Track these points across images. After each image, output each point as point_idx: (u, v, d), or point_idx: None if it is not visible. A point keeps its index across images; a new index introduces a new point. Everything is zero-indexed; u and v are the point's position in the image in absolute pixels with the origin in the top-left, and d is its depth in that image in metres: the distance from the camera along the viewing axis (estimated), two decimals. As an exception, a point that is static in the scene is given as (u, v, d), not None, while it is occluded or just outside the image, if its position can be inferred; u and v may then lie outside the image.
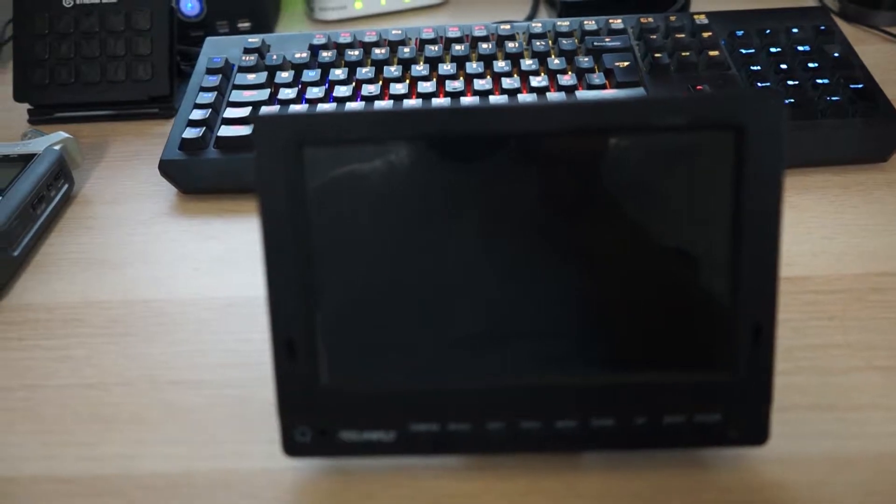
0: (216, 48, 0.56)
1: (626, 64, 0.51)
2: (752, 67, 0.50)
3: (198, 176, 0.47)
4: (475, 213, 0.28)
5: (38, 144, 0.46)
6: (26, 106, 0.57)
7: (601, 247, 0.28)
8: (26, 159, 0.45)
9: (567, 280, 0.28)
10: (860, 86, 0.48)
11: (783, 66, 0.50)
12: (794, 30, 0.53)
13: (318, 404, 0.29)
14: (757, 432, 0.29)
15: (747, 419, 0.29)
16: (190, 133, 0.48)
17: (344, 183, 0.28)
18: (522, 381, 0.29)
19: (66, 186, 0.47)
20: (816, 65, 0.50)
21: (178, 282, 0.42)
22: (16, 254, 0.41)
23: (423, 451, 0.29)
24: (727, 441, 0.29)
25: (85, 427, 0.34)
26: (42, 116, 0.56)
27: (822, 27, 0.53)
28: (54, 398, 0.35)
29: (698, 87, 0.49)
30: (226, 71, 0.53)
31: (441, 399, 0.29)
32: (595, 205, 0.28)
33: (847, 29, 0.63)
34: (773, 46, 0.52)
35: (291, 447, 0.30)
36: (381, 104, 0.49)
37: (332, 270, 0.28)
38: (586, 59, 0.51)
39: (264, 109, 0.49)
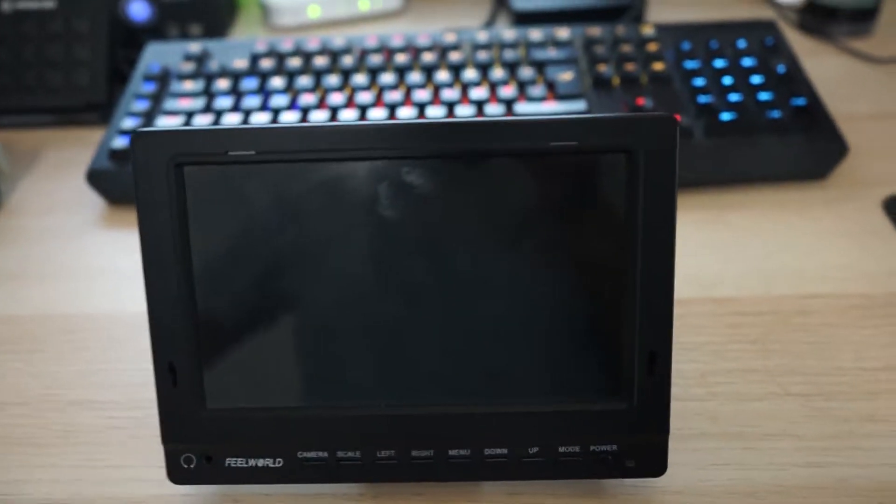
0: (158, 55, 0.55)
1: (569, 76, 0.50)
2: (694, 82, 0.49)
3: (125, 187, 0.46)
4: (360, 236, 0.27)
5: (-39, 153, 0.45)
6: (-36, 111, 0.56)
7: (494, 273, 0.27)
8: (-52, 168, 0.44)
9: (459, 306, 0.27)
10: (802, 102, 0.47)
11: (726, 81, 0.49)
12: (741, 43, 0.52)
13: (203, 430, 0.28)
14: (654, 463, 0.28)
15: (644, 450, 0.28)
16: (120, 142, 0.47)
17: (226, 202, 0.27)
18: (413, 409, 0.28)
19: (-10, 196, 0.46)
20: (761, 79, 0.49)
21: (97, 296, 0.41)
22: (-72, 266, 0.41)
23: (312, 479, 0.28)
24: (624, 472, 0.28)
25: None
26: (-21, 122, 0.55)
27: (770, 41, 0.52)
28: (-48, 417, 0.34)
29: (639, 101, 0.48)
30: (164, 78, 0.52)
31: (329, 426, 0.28)
32: (486, 229, 0.27)
33: (805, 41, 0.63)
34: (719, 59, 0.51)
35: (177, 474, 0.29)
36: (318, 114, 0.48)
37: (214, 292, 0.27)
38: (529, 71, 0.51)
39: (197, 120, 0.48)
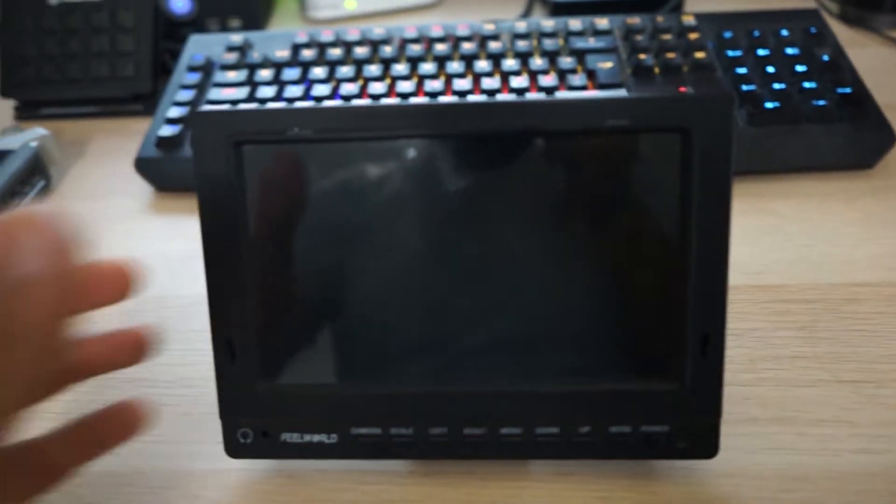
0: (200, 46, 0.56)
1: (609, 65, 0.50)
2: (737, 70, 0.49)
3: (172, 174, 0.47)
4: (418, 216, 0.27)
5: (14, 141, 0.47)
6: (13, 102, 0.57)
7: (548, 254, 0.27)
8: (2, 156, 0.45)
9: (512, 286, 0.28)
10: (848, 90, 0.46)
11: (770, 70, 0.49)
12: (784, 32, 0.52)
13: (260, 406, 0.29)
14: (706, 445, 0.28)
15: (696, 432, 0.28)
16: (166, 131, 0.48)
17: (282, 179, 0.27)
18: (466, 387, 0.28)
19: (41, 183, 0.47)
20: (804, 68, 0.49)
21: (146, 280, 0.41)
22: (-16, 249, 0.42)
23: (365, 455, 0.29)
24: (675, 453, 0.28)
25: (35, 424, 0.33)
26: (28, 113, 0.57)
27: (813, 29, 0.52)
28: None
29: (681, 90, 0.48)
30: (207, 69, 0.53)
31: (383, 403, 0.28)
32: (541, 208, 0.27)
33: (846, 32, 0.62)
34: (761, 49, 0.50)
35: (233, 448, 0.29)
36: (359, 103, 0.49)
37: (272, 270, 0.28)
38: (569, 59, 0.51)
39: (242, 106, 0.49)
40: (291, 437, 0.29)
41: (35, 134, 0.48)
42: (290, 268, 0.28)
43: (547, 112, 0.26)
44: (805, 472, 0.29)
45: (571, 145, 0.26)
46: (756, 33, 0.52)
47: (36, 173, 0.46)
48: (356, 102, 0.48)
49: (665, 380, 0.27)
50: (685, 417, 0.28)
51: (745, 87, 0.47)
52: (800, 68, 0.49)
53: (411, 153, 0.27)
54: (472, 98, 0.48)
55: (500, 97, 0.48)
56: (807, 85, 0.47)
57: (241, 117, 0.27)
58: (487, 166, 0.27)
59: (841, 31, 0.62)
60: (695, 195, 0.26)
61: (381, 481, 0.30)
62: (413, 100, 0.49)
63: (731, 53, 0.50)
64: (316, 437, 0.29)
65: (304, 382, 0.29)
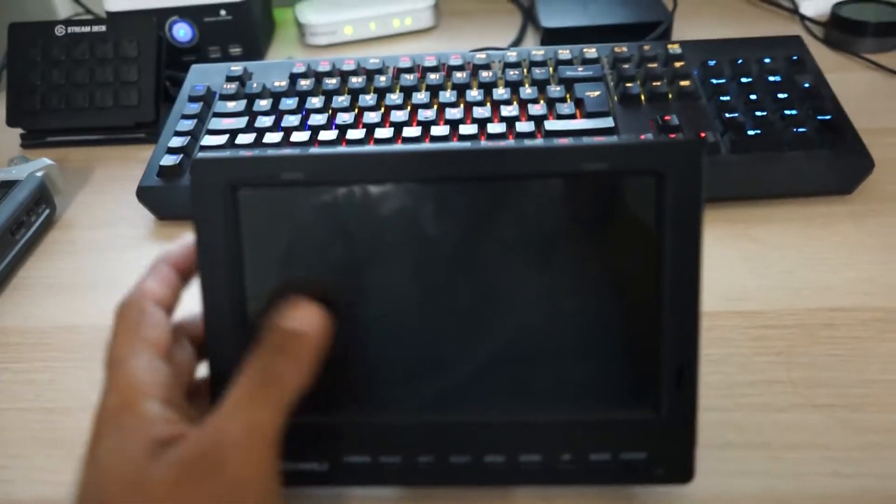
0: (201, 75, 0.58)
1: (597, 93, 0.52)
2: (721, 98, 0.50)
3: (173, 202, 0.49)
4: (403, 253, 0.29)
5: (20, 171, 0.48)
6: (19, 130, 0.59)
7: (529, 288, 0.29)
8: (9, 185, 0.47)
9: (495, 320, 0.29)
10: (828, 117, 0.48)
11: (753, 97, 0.50)
12: (767, 59, 0.53)
13: None
14: (681, 471, 0.29)
15: (672, 458, 0.29)
16: (168, 160, 0.49)
17: (278, 223, 0.29)
18: (452, 416, 0.29)
19: (46, 212, 0.49)
20: (786, 95, 0.50)
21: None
22: (-8, 278, 0.43)
23: (355, 482, 0.30)
24: (652, 479, 0.29)
25: (44, 452, 0.35)
26: (34, 141, 0.58)
27: (795, 57, 0.53)
28: (16, 422, 0.36)
29: (666, 118, 0.49)
30: (207, 98, 0.55)
31: (372, 433, 0.29)
32: (522, 246, 0.29)
33: (830, 56, 0.63)
34: (745, 76, 0.52)
35: None
36: (354, 133, 0.50)
37: (265, 307, 0.29)
38: (558, 88, 0.52)
39: (240, 138, 0.51)
40: (284, 465, 0.30)
41: (41, 164, 0.49)
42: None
43: (532, 157, 0.27)
44: (778, 495, 0.30)
45: (555, 187, 0.28)
46: (739, 61, 0.53)
47: (41, 202, 0.48)
48: (344, 148, 0.50)
49: (642, 409, 0.29)
50: (661, 445, 0.29)
51: (728, 115, 0.49)
52: (782, 95, 0.50)
53: (398, 197, 0.28)
54: (463, 128, 0.50)
55: (491, 126, 0.50)
56: (788, 112, 0.49)
57: (237, 163, 0.28)
58: (472, 209, 0.28)
59: (825, 55, 0.63)
60: (668, 234, 0.27)
61: (371, 506, 0.31)
62: (405, 130, 0.50)
63: (715, 81, 0.52)
64: (308, 466, 0.30)
65: (297, 414, 0.30)
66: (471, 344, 0.29)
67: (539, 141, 0.49)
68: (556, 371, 0.29)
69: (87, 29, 0.58)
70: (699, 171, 0.27)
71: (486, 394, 0.29)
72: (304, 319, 0.27)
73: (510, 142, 0.49)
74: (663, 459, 0.29)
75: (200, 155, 0.29)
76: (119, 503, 0.23)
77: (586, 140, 0.47)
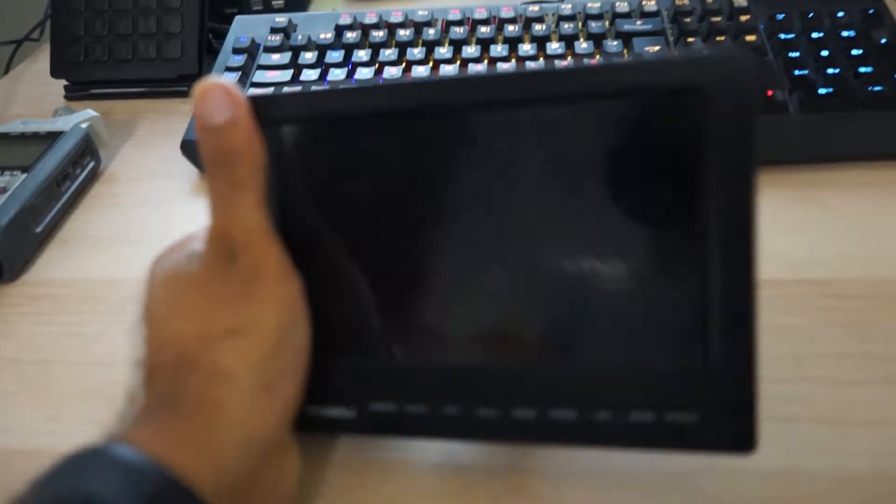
0: (245, 27, 0.56)
1: (656, 49, 0.49)
2: (790, 54, 0.47)
3: (217, 156, 0.48)
4: (440, 191, 0.27)
5: (65, 122, 0.48)
6: (63, 82, 0.58)
7: (563, 229, 0.27)
8: (54, 137, 0.46)
9: (526, 263, 0.27)
10: (907, 75, 0.45)
11: (824, 53, 0.47)
12: (840, 14, 0.50)
13: None
14: (739, 438, 0.26)
15: (727, 422, 0.26)
16: (211, 113, 0.48)
17: (321, 158, 0.28)
18: (478, 364, 0.28)
19: (91, 164, 0.48)
20: (861, 51, 0.47)
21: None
22: (39, 230, 0.43)
23: (382, 431, 0.29)
24: (705, 445, 0.26)
25: (91, 404, 0.35)
26: (77, 92, 0.58)
27: (871, 11, 0.50)
28: (64, 374, 0.36)
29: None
30: (251, 51, 0.53)
31: (397, 380, 0.28)
32: (556, 178, 0.26)
33: (906, 12, 0.59)
34: (816, 31, 0.49)
35: None
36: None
37: (303, 246, 0.28)
38: (615, 43, 0.50)
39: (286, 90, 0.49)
40: (312, 411, 0.29)
41: (85, 115, 0.49)
42: (320, 243, 0.28)
43: (564, 78, 0.25)
44: (849, 474, 0.29)
45: (579, 111, 0.26)
46: (810, 15, 0.50)
47: (86, 154, 0.48)
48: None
49: (690, 363, 0.26)
50: (714, 406, 0.26)
51: (797, 72, 0.46)
52: (856, 52, 0.47)
53: (439, 124, 0.27)
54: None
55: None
56: (863, 69, 0.46)
57: (280, 100, 0.28)
58: (511, 133, 0.26)
59: (899, 11, 0.59)
60: (715, 161, 0.24)
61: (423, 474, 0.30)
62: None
63: (783, 36, 0.49)
64: (335, 412, 0.29)
65: (323, 356, 0.29)
66: (504, 289, 0.27)
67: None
68: (592, 317, 0.27)
69: (130, -21, 0.57)
70: (750, 86, 0.24)
71: (517, 340, 0.28)
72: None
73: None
74: (718, 424, 0.26)
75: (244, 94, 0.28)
76: (160, 289, 0.28)
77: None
